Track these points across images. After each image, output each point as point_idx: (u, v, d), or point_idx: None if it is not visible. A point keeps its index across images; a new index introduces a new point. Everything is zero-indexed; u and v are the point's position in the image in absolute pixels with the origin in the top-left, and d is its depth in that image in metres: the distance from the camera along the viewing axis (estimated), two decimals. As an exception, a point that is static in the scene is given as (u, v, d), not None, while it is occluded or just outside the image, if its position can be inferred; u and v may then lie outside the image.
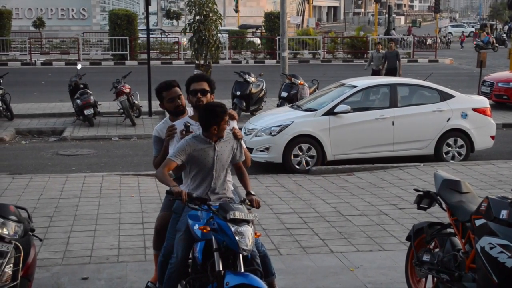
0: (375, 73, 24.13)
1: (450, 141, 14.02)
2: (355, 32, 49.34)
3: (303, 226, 9.38)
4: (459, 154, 14.04)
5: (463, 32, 71.25)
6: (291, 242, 8.66)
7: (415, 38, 48.99)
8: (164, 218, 6.47)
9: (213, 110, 5.73)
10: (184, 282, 6.04)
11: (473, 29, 76.79)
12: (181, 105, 6.47)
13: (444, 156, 13.98)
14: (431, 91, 14.41)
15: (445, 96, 14.20)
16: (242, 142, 6.25)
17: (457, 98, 14.28)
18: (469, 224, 5.89)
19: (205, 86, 6.28)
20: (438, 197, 6.47)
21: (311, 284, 7.28)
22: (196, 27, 20.42)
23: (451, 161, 13.82)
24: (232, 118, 6.30)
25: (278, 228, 9.25)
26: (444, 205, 6.42)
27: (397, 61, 23.80)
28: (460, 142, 14.04)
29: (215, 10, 20.52)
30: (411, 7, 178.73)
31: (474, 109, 14.19)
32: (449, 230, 6.43)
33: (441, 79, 26.65)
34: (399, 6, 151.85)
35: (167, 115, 6.78)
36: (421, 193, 6.66)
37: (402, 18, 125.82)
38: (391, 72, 23.42)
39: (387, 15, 61.41)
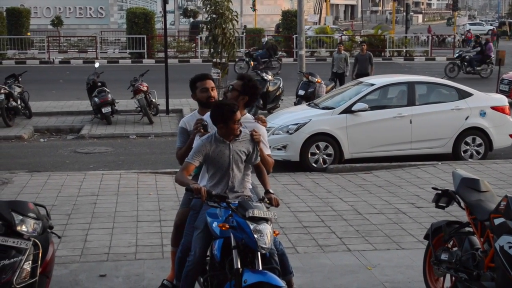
0: (337, 77, 22.50)
1: (469, 139, 13.93)
2: (373, 30, 49.08)
3: (320, 224, 9.36)
4: (478, 152, 13.96)
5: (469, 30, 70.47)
6: (308, 240, 8.65)
7: (434, 36, 48.75)
8: (184, 214, 6.51)
9: (220, 109, 5.77)
10: (202, 279, 6.06)
11: (492, 27, 76.14)
12: (213, 97, 6.61)
13: (462, 154, 13.89)
14: (449, 89, 14.34)
15: (463, 94, 14.12)
16: (265, 147, 6.24)
17: (475, 96, 14.19)
18: (488, 223, 5.86)
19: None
20: (457, 195, 6.44)
21: (328, 283, 7.27)
22: (212, 26, 20.41)
23: (469, 160, 13.74)
24: (263, 123, 6.37)
25: (295, 226, 9.24)
26: (462, 204, 6.39)
27: (370, 65, 21.94)
28: (479, 140, 13.95)
29: (230, 8, 20.50)
30: (429, 5, 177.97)
31: (493, 107, 14.10)
32: (467, 229, 6.40)
33: (459, 77, 26.51)
34: (416, 4, 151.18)
35: (185, 114, 6.86)
36: (440, 191, 6.64)
37: (420, 16, 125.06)
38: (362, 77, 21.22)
39: (404, 13, 61.10)
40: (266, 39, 39.91)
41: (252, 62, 31.66)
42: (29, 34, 43.33)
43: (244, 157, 5.98)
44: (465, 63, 31.16)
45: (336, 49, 24.03)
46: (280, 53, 35.70)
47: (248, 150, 5.98)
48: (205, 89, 6.63)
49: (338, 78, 22.52)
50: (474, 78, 30.05)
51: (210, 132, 6.04)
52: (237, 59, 31.15)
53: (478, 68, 30.93)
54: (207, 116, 6.28)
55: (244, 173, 6.06)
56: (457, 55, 32.89)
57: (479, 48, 31.89)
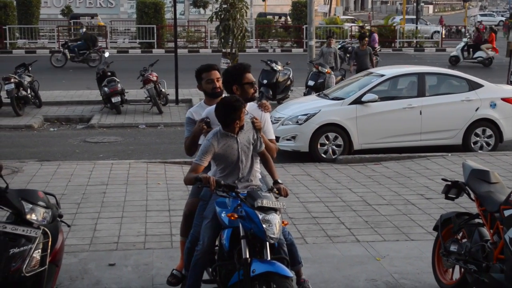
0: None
1: (479, 131, 13.88)
2: (383, 21, 48.86)
3: (330, 215, 9.36)
4: (488, 144, 13.91)
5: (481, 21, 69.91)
6: (317, 231, 8.65)
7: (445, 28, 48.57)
8: (193, 204, 6.51)
9: (231, 105, 5.71)
10: (210, 269, 6.07)
11: (503, 18, 75.69)
12: (219, 87, 6.53)
13: (472, 146, 13.85)
14: (460, 80, 14.28)
15: (473, 86, 14.05)
16: (268, 132, 6.24)
17: (486, 88, 14.13)
18: (498, 214, 5.84)
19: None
20: (467, 187, 6.42)
21: (337, 273, 7.27)
22: (222, 16, 20.41)
23: (479, 151, 13.70)
24: (266, 109, 6.35)
25: (304, 216, 9.24)
26: (472, 195, 6.37)
27: (370, 61, 20.27)
28: (489, 132, 13.90)
29: (241, -3, 20.51)
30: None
31: (503, 99, 14.03)
32: (477, 220, 6.38)
33: (469, 68, 26.41)
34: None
35: (194, 104, 6.85)
36: (449, 183, 6.62)
37: (431, 7, 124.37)
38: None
39: (415, 4, 60.88)
40: (84, 29, 35.80)
41: (69, 54, 30.28)
42: (102, 24, 43.05)
43: (251, 147, 5.97)
44: (348, 55, 29.89)
45: (326, 43, 22.14)
46: (100, 44, 33.89)
47: (254, 139, 5.97)
48: (210, 80, 6.54)
49: None
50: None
51: (214, 129, 5.98)
52: (53, 50, 29.91)
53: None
54: (207, 112, 6.25)
55: (253, 161, 6.05)
56: (339, 46, 31.95)
57: (357, 40, 31.24)
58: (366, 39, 21.64)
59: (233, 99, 5.77)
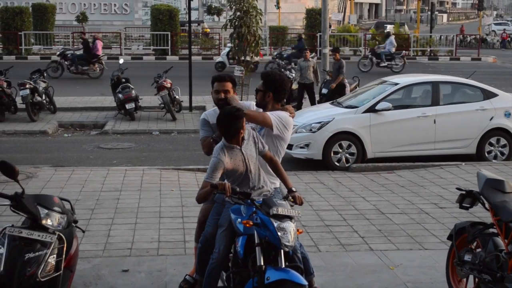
0: (306, 88, 19.53)
1: (493, 140, 13.83)
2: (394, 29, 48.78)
3: (343, 223, 9.35)
4: (502, 153, 13.85)
5: (504, 29, 69.60)
6: (330, 239, 8.64)
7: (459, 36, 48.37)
8: (207, 210, 6.52)
9: (233, 115, 5.73)
10: (224, 276, 6.08)
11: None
12: (221, 100, 6.46)
13: (486, 155, 13.79)
14: (474, 89, 14.24)
15: (488, 95, 14.01)
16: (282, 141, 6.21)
17: (500, 97, 14.08)
18: (513, 224, 5.82)
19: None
20: (481, 196, 6.40)
21: (350, 282, 7.26)
22: (236, 23, 20.47)
23: (494, 161, 13.64)
24: (289, 112, 6.36)
25: (317, 225, 9.24)
26: (487, 205, 6.35)
27: (339, 74, 19.04)
28: (503, 141, 13.84)
29: (255, 5, 20.57)
30: (454, 4, 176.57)
31: (518, 108, 13.98)
32: (491, 230, 6.36)
33: (484, 78, 26.28)
34: (441, 3, 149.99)
35: (209, 109, 6.87)
36: (464, 192, 6.60)
37: (445, 15, 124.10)
38: (335, 88, 18.87)
39: (429, 13, 60.79)
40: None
41: None
42: (208, 30, 42.39)
43: (255, 155, 5.97)
44: (67, 62, 29.38)
45: (303, 56, 20.37)
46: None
47: (256, 144, 5.97)
48: (217, 91, 6.51)
49: (307, 90, 19.55)
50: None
51: (218, 144, 5.99)
52: None
53: (85, 68, 29.15)
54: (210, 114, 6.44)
55: (260, 169, 6.04)
56: (58, 53, 30.99)
57: (81, 47, 30.61)
58: (336, 53, 19.84)
59: (233, 109, 5.79)
